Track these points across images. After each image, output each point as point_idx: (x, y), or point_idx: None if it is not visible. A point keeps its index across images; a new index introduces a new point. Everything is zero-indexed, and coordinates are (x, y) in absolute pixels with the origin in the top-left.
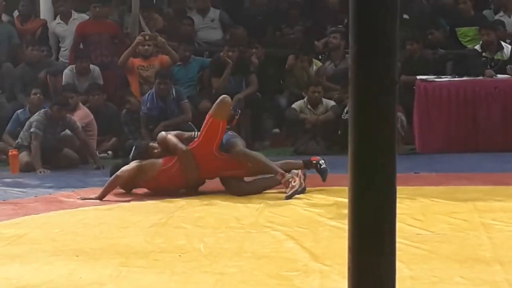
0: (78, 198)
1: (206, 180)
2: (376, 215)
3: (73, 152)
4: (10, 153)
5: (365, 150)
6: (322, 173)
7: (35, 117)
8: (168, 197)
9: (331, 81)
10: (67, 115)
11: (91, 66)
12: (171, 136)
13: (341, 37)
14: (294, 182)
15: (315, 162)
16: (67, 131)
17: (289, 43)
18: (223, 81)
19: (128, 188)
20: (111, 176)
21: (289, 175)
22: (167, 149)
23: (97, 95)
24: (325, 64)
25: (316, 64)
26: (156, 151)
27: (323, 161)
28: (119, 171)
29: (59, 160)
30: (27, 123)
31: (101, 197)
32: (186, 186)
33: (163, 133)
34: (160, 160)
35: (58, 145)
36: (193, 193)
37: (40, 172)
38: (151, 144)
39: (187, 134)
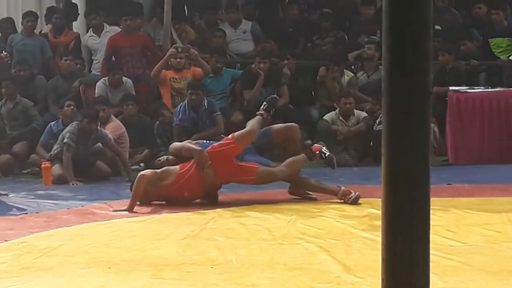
0: (110, 210)
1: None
2: (410, 227)
3: (105, 165)
4: (43, 166)
5: (399, 162)
6: (329, 161)
7: (68, 128)
8: (199, 208)
9: (363, 92)
10: (99, 128)
11: (124, 78)
12: (183, 143)
13: (375, 48)
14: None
15: (317, 152)
16: (99, 144)
17: (321, 54)
18: (255, 93)
19: (147, 200)
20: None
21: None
22: (181, 155)
23: (131, 105)
24: (357, 74)
25: (348, 74)
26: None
27: (325, 148)
28: (142, 171)
29: (92, 173)
30: (61, 135)
31: (131, 207)
32: (204, 189)
33: (175, 143)
34: (177, 166)
35: (91, 158)
36: (213, 203)
37: (73, 184)
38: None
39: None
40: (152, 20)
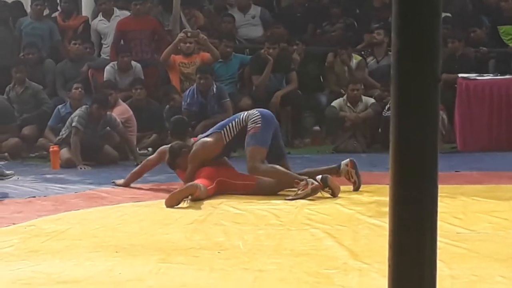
0: (112, 182)
1: None
2: (417, 213)
3: (112, 149)
4: (51, 149)
5: (407, 149)
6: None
7: (77, 112)
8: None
9: (372, 77)
10: (107, 112)
11: (133, 62)
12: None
13: (384, 33)
14: (303, 189)
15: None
16: (107, 128)
17: (330, 40)
18: (263, 79)
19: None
20: (172, 155)
21: (304, 182)
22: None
23: (140, 89)
24: (367, 59)
25: (356, 58)
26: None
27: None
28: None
29: (100, 157)
30: (69, 118)
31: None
32: None
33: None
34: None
35: (99, 143)
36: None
37: (81, 168)
38: (183, 148)
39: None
40: (161, 5)
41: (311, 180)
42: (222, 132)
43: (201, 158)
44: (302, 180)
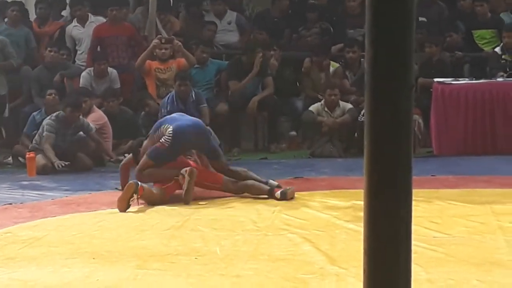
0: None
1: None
2: (392, 218)
3: (86, 157)
4: (27, 156)
5: (381, 153)
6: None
7: (47, 120)
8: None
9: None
10: (80, 117)
11: (109, 69)
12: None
13: (358, 49)
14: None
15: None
16: (81, 133)
17: (306, 45)
18: (243, 85)
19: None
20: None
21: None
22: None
23: (112, 101)
24: (345, 72)
25: (333, 65)
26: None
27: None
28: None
29: (74, 164)
30: (41, 126)
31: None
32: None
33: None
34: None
35: (72, 149)
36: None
37: (58, 166)
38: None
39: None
40: (137, 11)
41: (183, 170)
42: (153, 136)
43: (144, 168)
44: (182, 173)
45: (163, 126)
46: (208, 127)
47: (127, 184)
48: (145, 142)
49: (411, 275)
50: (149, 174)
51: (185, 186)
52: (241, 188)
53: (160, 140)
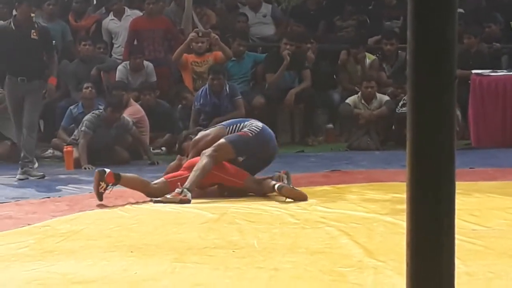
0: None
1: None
2: (434, 211)
3: (123, 150)
4: (65, 150)
5: (424, 146)
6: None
7: (88, 116)
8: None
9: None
10: (122, 116)
11: (145, 62)
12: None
13: (396, 40)
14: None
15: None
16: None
17: (342, 38)
18: (277, 77)
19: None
20: (179, 141)
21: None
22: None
23: (149, 94)
24: (382, 65)
25: (369, 57)
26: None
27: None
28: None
29: (111, 158)
30: (82, 122)
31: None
32: None
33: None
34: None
35: (110, 143)
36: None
37: (85, 168)
38: (190, 134)
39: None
40: (172, 4)
41: (186, 191)
42: (227, 129)
43: (199, 148)
44: (182, 189)
45: (244, 122)
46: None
47: (94, 174)
48: (207, 131)
49: (454, 268)
50: (205, 164)
51: (167, 200)
52: (260, 187)
53: (245, 129)
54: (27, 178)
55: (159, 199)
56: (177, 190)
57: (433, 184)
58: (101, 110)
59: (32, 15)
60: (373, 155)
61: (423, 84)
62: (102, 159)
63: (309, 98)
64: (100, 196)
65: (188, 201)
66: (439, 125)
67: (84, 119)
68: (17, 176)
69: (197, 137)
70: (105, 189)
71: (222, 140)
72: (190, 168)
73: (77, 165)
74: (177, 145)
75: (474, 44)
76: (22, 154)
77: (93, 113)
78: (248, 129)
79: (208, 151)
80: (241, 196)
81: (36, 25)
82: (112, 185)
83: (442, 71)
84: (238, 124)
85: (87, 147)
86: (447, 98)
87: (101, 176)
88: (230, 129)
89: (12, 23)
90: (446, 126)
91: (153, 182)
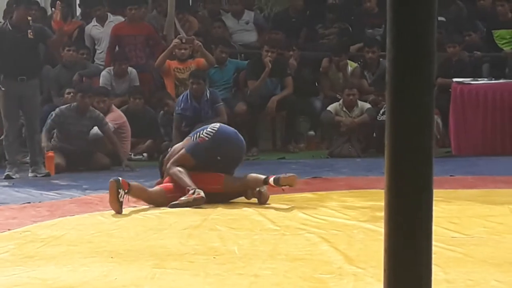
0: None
1: None
2: (412, 218)
3: (103, 156)
4: (46, 155)
5: (402, 153)
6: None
7: (57, 109)
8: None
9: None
10: (91, 108)
11: (129, 68)
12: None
13: (377, 48)
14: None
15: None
16: (98, 132)
17: (324, 45)
18: (259, 84)
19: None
20: (159, 165)
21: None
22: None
23: (138, 99)
24: (364, 72)
25: (351, 65)
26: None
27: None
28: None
29: (91, 163)
30: (51, 113)
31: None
32: None
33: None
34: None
35: (90, 148)
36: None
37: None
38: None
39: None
40: (155, 10)
41: (198, 190)
42: (191, 138)
43: (179, 163)
44: (192, 189)
45: (204, 129)
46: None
47: (109, 184)
48: (178, 144)
49: (431, 275)
50: (174, 173)
51: (183, 202)
52: (242, 184)
53: (201, 135)
54: (36, 176)
55: (175, 202)
56: (190, 191)
57: (411, 191)
58: (72, 103)
59: (29, 18)
60: (354, 162)
61: (402, 91)
62: (81, 165)
63: (291, 105)
64: (120, 206)
65: (202, 199)
66: (418, 131)
67: (54, 111)
68: (29, 175)
69: (169, 153)
70: (123, 197)
71: (181, 151)
72: (171, 181)
73: (59, 170)
74: (159, 169)
75: (457, 53)
76: (30, 155)
77: (65, 106)
78: (205, 134)
79: (169, 164)
80: (222, 202)
81: (31, 26)
82: (126, 192)
83: (421, 78)
84: (200, 132)
85: (61, 140)
86: (425, 105)
87: (118, 184)
88: (193, 138)
89: (8, 24)
90: (424, 133)
91: (148, 189)
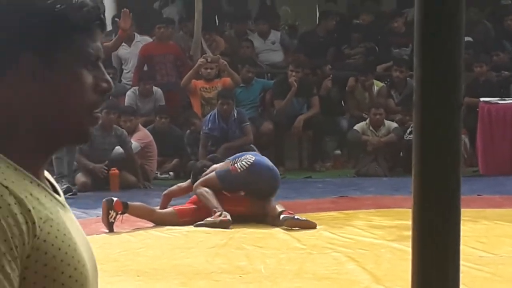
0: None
1: None
2: (440, 237)
3: (129, 175)
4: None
5: (429, 173)
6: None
7: None
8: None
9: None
10: (115, 126)
11: (154, 88)
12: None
13: (405, 68)
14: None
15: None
16: (121, 151)
17: (350, 65)
18: (285, 103)
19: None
20: (194, 172)
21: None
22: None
23: (164, 118)
24: (391, 92)
25: (377, 85)
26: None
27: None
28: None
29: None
30: None
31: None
32: None
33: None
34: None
35: (114, 166)
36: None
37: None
38: (205, 165)
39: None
40: (181, 31)
41: (225, 213)
42: (231, 162)
43: (206, 184)
44: (219, 210)
45: (242, 156)
46: (252, 145)
47: (102, 204)
48: (217, 165)
49: None
50: (201, 193)
51: (208, 222)
52: (265, 209)
53: (235, 165)
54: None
55: (201, 222)
56: (217, 213)
57: (439, 210)
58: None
59: None
60: (381, 182)
61: (429, 111)
62: (107, 183)
63: (317, 124)
64: (110, 226)
65: (229, 222)
66: (445, 151)
67: None
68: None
69: (207, 171)
70: (114, 218)
71: (212, 173)
72: (195, 202)
73: (83, 188)
74: (191, 176)
75: (484, 73)
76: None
77: None
78: (239, 164)
79: (197, 183)
80: (248, 221)
81: None
82: (120, 213)
83: (448, 98)
84: (238, 158)
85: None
86: (453, 125)
87: (110, 205)
88: (232, 163)
89: None
90: (452, 153)
91: (158, 210)
